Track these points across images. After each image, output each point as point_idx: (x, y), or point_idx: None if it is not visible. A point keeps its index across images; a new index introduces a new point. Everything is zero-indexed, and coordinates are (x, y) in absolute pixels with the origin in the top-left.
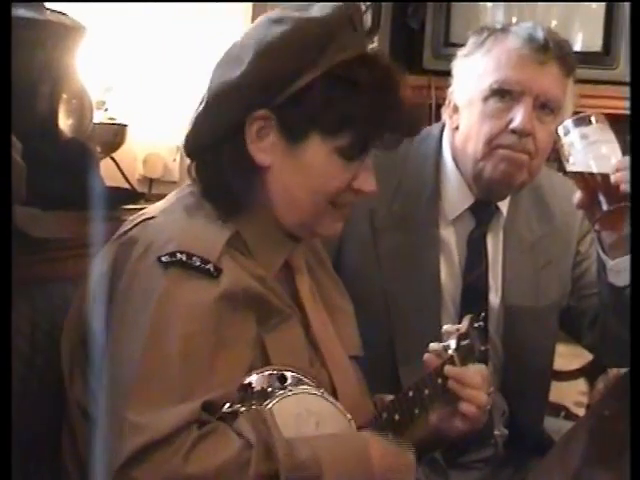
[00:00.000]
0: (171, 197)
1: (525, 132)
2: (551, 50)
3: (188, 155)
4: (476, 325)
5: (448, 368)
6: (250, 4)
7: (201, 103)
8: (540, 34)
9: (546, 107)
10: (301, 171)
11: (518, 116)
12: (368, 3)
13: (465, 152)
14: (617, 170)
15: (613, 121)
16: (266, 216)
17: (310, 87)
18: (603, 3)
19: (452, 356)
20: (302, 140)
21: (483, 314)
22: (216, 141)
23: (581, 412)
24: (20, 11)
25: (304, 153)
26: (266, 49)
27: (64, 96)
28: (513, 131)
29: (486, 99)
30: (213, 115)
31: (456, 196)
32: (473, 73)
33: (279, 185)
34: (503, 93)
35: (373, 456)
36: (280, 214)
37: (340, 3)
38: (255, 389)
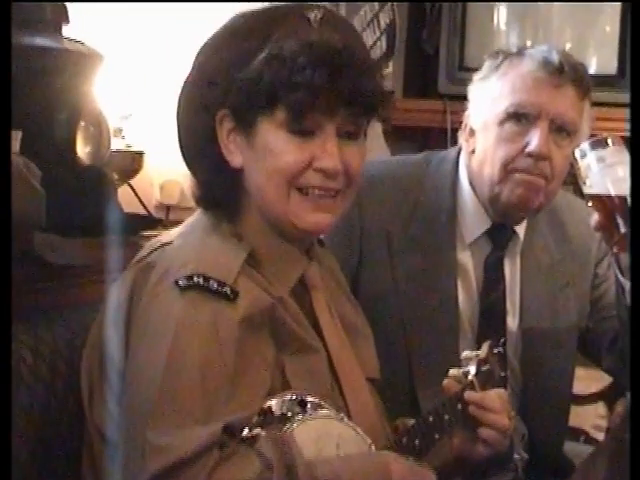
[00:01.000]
0: (187, 222)
1: (541, 156)
2: (566, 73)
3: (186, 166)
4: (495, 351)
5: (468, 394)
6: None
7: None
8: (555, 57)
9: (562, 130)
10: (259, 158)
11: (534, 140)
12: (382, 28)
13: (481, 176)
14: None
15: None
16: (264, 221)
17: (249, 76)
18: (617, 26)
19: (472, 382)
20: (253, 128)
21: (503, 339)
22: (196, 149)
23: (600, 436)
24: (38, 40)
25: (258, 140)
26: (209, 44)
27: (82, 124)
28: (529, 155)
29: (502, 123)
30: (183, 119)
31: (473, 220)
32: (489, 97)
33: (253, 182)
34: (519, 117)
35: (394, 476)
36: (260, 211)
37: (306, 3)
38: (275, 413)
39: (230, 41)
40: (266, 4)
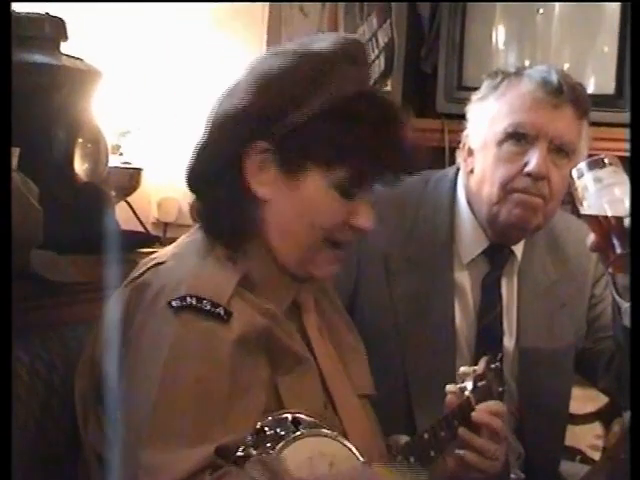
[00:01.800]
0: (181, 241)
1: (540, 176)
2: (565, 93)
3: (190, 189)
4: (493, 366)
5: (476, 416)
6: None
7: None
8: (554, 77)
9: (561, 150)
10: (299, 204)
11: (533, 160)
12: (381, 47)
13: (480, 195)
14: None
15: (627, 164)
16: (267, 253)
17: (308, 121)
18: (615, 46)
19: (469, 397)
20: (300, 173)
21: (500, 355)
22: (216, 174)
23: (597, 456)
24: (36, 57)
25: (302, 187)
26: (265, 80)
27: (80, 140)
28: (528, 174)
29: (501, 143)
30: (213, 146)
31: (471, 239)
32: (487, 117)
33: (277, 219)
34: (518, 137)
35: None
36: (276, 249)
37: (347, 39)
38: (268, 432)
39: (283, 78)
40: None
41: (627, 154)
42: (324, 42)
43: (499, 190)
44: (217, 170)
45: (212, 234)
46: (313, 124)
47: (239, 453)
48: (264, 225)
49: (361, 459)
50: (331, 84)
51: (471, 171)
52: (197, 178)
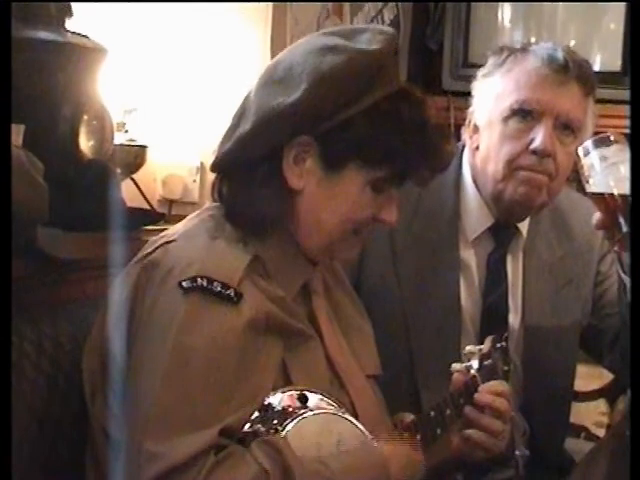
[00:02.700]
0: (191, 219)
1: (545, 153)
2: (571, 70)
3: (217, 172)
4: (498, 345)
5: (479, 397)
6: (268, 33)
7: (238, 119)
8: (560, 54)
9: (567, 128)
10: (333, 199)
11: (538, 137)
12: (386, 24)
13: (485, 173)
14: None
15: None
16: (287, 240)
17: (355, 119)
18: (622, 23)
19: (475, 376)
20: (340, 169)
21: (505, 334)
22: (252, 161)
23: (601, 433)
24: (41, 34)
25: (340, 182)
26: (322, 78)
27: (85, 118)
28: (533, 152)
29: (506, 120)
30: (259, 136)
31: (476, 217)
32: (493, 93)
33: (308, 210)
34: (523, 113)
35: (392, 473)
36: (303, 238)
37: (387, 36)
38: (276, 409)
39: (340, 73)
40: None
41: None
42: (371, 38)
43: (504, 168)
44: (257, 158)
45: (233, 219)
46: (359, 122)
47: (246, 429)
48: (291, 215)
49: (368, 436)
50: (378, 84)
51: (476, 148)
52: (233, 163)
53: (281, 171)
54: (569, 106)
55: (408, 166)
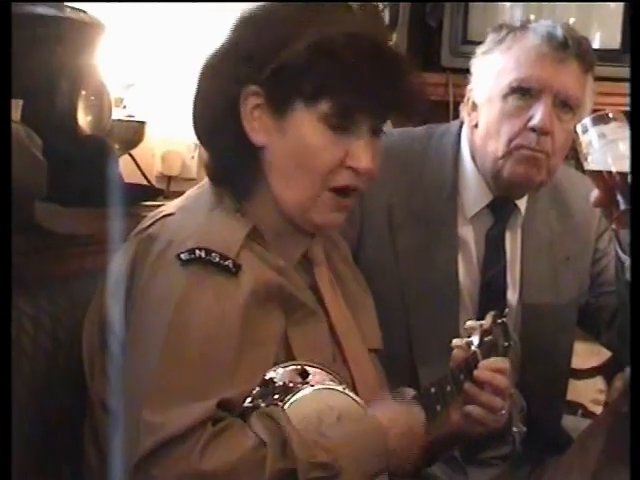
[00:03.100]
0: (190, 194)
1: (544, 130)
2: (570, 48)
3: (197, 139)
4: (499, 321)
5: (478, 373)
6: None
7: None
8: (559, 31)
9: (565, 105)
10: (290, 145)
11: (538, 114)
12: (386, 1)
13: (484, 150)
14: None
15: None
16: (276, 203)
17: (292, 59)
18: (621, 3)
19: (475, 352)
20: (287, 112)
21: (507, 310)
22: (215, 123)
23: (598, 410)
24: (40, 9)
25: (291, 126)
26: (250, 19)
27: (83, 93)
28: (532, 129)
29: (505, 97)
30: (205, 90)
31: (475, 193)
32: (492, 71)
33: (275, 164)
34: (522, 91)
35: (391, 444)
36: (278, 197)
37: None
38: (277, 384)
39: (272, 18)
40: None
41: None
42: None
43: (504, 145)
44: (215, 118)
45: (217, 183)
46: (296, 61)
47: (247, 404)
48: (265, 172)
49: (369, 412)
50: (318, 24)
51: (475, 125)
52: (199, 128)
53: (243, 129)
54: (568, 84)
55: (350, 100)
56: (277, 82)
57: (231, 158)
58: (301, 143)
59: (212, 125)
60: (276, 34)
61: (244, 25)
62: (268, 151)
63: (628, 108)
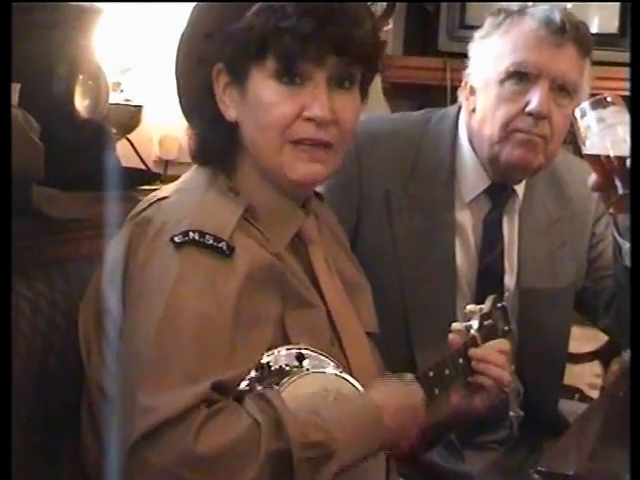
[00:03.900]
0: (184, 177)
1: (542, 115)
2: (568, 32)
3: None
4: (499, 305)
5: (473, 351)
6: None
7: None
8: (557, 16)
9: (563, 89)
10: (252, 111)
11: (535, 99)
12: None
13: (481, 135)
14: None
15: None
16: (262, 179)
17: (240, 25)
18: None
19: (474, 336)
20: (245, 80)
21: (507, 294)
22: (194, 102)
23: (595, 394)
24: None
25: (250, 91)
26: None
27: (80, 77)
28: (529, 114)
29: (502, 82)
30: (181, 72)
31: (472, 178)
32: (490, 55)
33: (247, 135)
34: (520, 76)
35: (386, 420)
36: (258, 165)
37: None
38: (273, 367)
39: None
40: None
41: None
42: None
43: (500, 130)
44: (193, 98)
45: (204, 164)
46: (242, 26)
47: (243, 387)
48: (243, 146)
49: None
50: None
51: (473, 110)
52: (182, 107)
53: (218, 108)
54: (565, 68)
55: (291, 50)
56: (231, 52)
57: (210, 136)
58: (257, 104)
59: (191, 106)
60: (232, 7)
61: (202, 4)
62: (240, 125)
63: (626, 92)
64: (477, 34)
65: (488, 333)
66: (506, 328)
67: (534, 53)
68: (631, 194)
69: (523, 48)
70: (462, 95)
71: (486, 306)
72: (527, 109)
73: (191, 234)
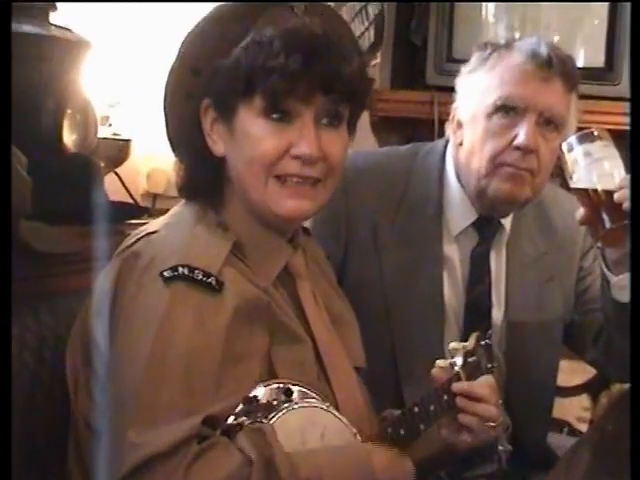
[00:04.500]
0: (173, 211)
1: (529, 149)
2: (555, 66)
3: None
4: (483, 342)
5: (456, 385)
6: None
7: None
8: (544, 49)
9: (550, 123)
10: (239, 146)
11: (522, 133)
12: (371, 19)
13: (469, 168)
14: (620, 188)
15: (616, 137)
16: (249, 214)
17: (227, 63)
18: (605, 19)
19: (458, 373)
20: (233, 116)
21: (490, 331)
22: (182, 138)
23: (584, 428)
24: (25, 27)
25: (237, 128)
26: (193, 32)
27: (69, 111)
28: (517, 148)
29: (490, 115)
30: (169, 107)
31: (459, 212)
32: (477, 89)
33: (234, 170)
34: (507, 109)
35: (376, 468)
36: (245, 201)
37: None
38: (260, 402)
39: (214, 29)
40: None
41: (617, 127)
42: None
43: (488, 163)
44: (181, 134)
45: (191, 199)
46: (229, 64)
47: (230, 422)
48: (230, 181)
49: (352, 430)
50: (253, 31)
51: (460, 144)
52: (173, 142)
53: (206, 144)
54: (552, 102)
55: (278, 87)
56: (219, 89)
57: (197, 171)
58: (245, 140)
59: (179, 140)
60: (219, 42)
61: (190, 38)
62: (228, 160)
63: (613, 127)
64: (464, 68)
65: (472, 370)
66: (489, 365)
67: (520, 87)
68: (630, 223)
69: (510, 82)
70: (450, 129)
71: (470, 343)
72: (514, 143)
73: (180, 269)
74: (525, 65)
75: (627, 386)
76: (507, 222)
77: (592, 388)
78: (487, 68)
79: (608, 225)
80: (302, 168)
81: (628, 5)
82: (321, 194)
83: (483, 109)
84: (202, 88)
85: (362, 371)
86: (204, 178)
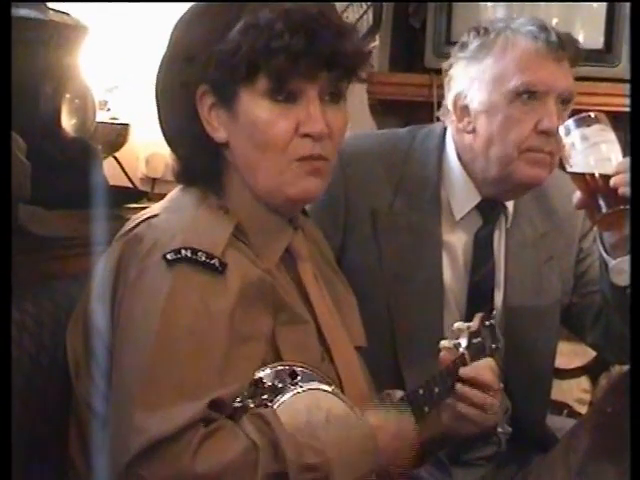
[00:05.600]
0: (173, 194)
1: (554, 132)
2: (565, 46)
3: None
4: (487, 323)
5: (463, 371)
6: None
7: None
8: (552, 32)
9: (563, 102)
10: (245, 131)
11: (546, 117)
12: (369, 2)
13: (487, 156)
14: (617, 172)
15: (614, 119)
16: (251, 199)
17: (225, 46)
18: (604, 3)
19: (463, 354)
20: (234, 101)
21: (494, 312)
22: (178, 126)
23: (583, 410)
24: (23, 11)
25: (240, 112)
26: (184, 18)
27: (67, 96)
28: (542, 132)
29: (511, 102)
30: (162, 96)
31: (462, 195)
32: (489, 76)
33: (239, 156)
34: (528, 95)
35: (380, 445)
36: (252, 186)
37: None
38: (266, 384)
39: (206, 15)
40: None
41: (617, 109)
42: None
43: (513, 150)
44: (177, 122)
45: (190, 185)
46: (228, 47)
47: (236, 404)
48: (234, 166)
49: (357, 413)
50: (248, 12)
51: (470, 131)
52: (164, 132)
53: (204, 130)
54: (567, 82)
55: (283, 67)
56: (218, 74)
57: (195, 158)
58: (252, 124)
59: (175, 129)
60: (213, 27)
61: (181, 25)
62: (231, 145)
63: (612, 108)
64: (461, 54)
65: (477, 351)
66: (494, 346)
67: (540, 71)
68: (631, 208)
69: (528, 67)
70: (449, 115)
71: (474, 324)
72: (540, 128)
73: (183, 251)
74: (539, 48)
75: (626, 368)
76: (510, 203)
77: (592, 370)
78: (496, 54)
79: (604, 210)
80: (313, 146)
81: None
82: (329, 172)
83: (503, 96)
84: (197, 75)
85: (363, 350)
86: (203, 165)
